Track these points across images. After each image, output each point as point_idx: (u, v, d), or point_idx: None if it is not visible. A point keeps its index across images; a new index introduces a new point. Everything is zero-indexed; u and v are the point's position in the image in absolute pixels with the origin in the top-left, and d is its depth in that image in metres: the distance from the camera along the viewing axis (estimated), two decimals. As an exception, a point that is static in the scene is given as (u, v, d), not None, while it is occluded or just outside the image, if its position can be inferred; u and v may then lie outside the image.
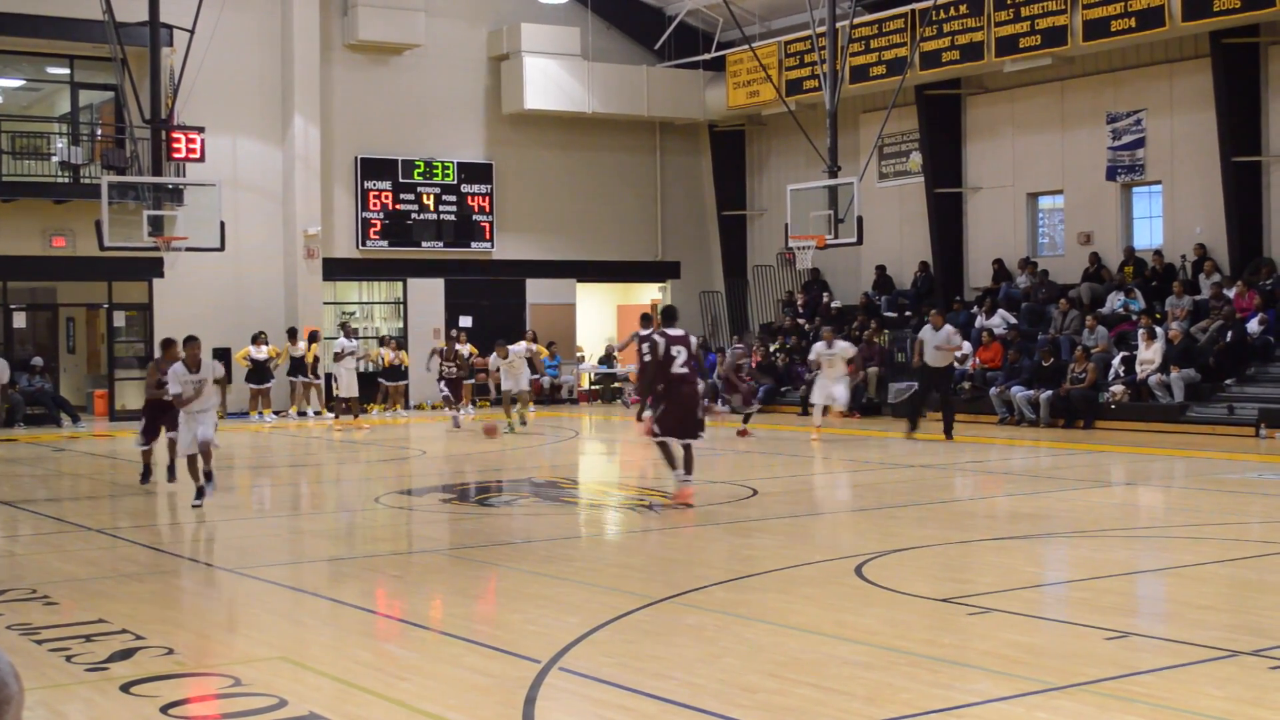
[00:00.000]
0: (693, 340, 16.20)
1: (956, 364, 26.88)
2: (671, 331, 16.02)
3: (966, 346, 28.33)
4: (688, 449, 15.88)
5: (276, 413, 32.15)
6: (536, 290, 37.30)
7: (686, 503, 15.55)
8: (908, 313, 33.14)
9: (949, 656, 8.48)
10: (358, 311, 36.04)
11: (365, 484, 19.86)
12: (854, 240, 27.37)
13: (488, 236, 36.36)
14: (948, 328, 24.87)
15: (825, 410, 25.15)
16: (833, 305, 35.16)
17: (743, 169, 39.52)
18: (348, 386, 30.33)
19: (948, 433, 24.26)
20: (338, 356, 30.34)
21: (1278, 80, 27.70)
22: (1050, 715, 7.21)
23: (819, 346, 25.58)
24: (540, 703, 7.58)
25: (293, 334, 32.49)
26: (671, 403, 15.75)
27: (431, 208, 35.66)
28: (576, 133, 37.66)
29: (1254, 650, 8.43)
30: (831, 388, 25.07)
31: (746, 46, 33.51)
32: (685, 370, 15.75)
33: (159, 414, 18.30)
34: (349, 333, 30.95)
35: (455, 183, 35.90)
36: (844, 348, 25.52)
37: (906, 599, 10.36)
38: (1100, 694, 7.56)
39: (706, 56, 36.77)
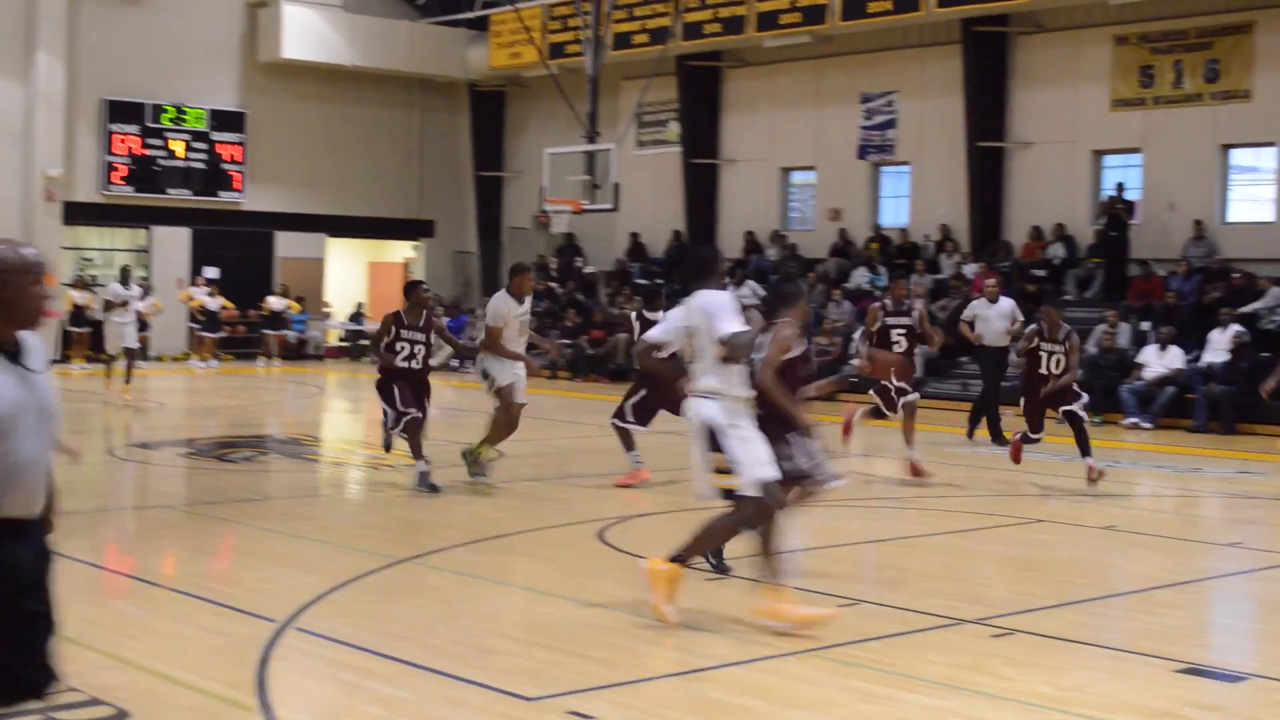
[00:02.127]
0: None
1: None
2: (650, 314, 14.56)
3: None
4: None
5: None
6: (286, 243, 36.56)
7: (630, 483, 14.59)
8: (659, 280, 33.43)
9: (687, 621, 8.57)
10: (97, 258, 34.82)
11: (99, 436, 19.25)
12: (610, 207, 27.48)
13: (238, 186, 35.50)
14: (1007, 302, 19.88)
15: None
16: (586, 270, 35.28)
17: (502, 130, 39.32)
18: (114, 340, 24.20)
19: (998, 435, 19.16)
20: (109, 306, 24.78)
21: (1023, 69, 28.64)
22: (784, 680, 7.36)
23: None
24: (274, 663, 7.45)
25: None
26: (650, 388, 14.38)
27: (180, 154, 34.64)
28: (334, 85, 36.97)
29: (976, 619, 8.72)
30: None
31: (510, 7, 33.32)
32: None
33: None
34: (127, 279, 25.28)
35: (206, 130, 34.93)
36: None
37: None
38: (831, 659, 7.74)
39: (470, 15, 36.45)
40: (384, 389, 13.83)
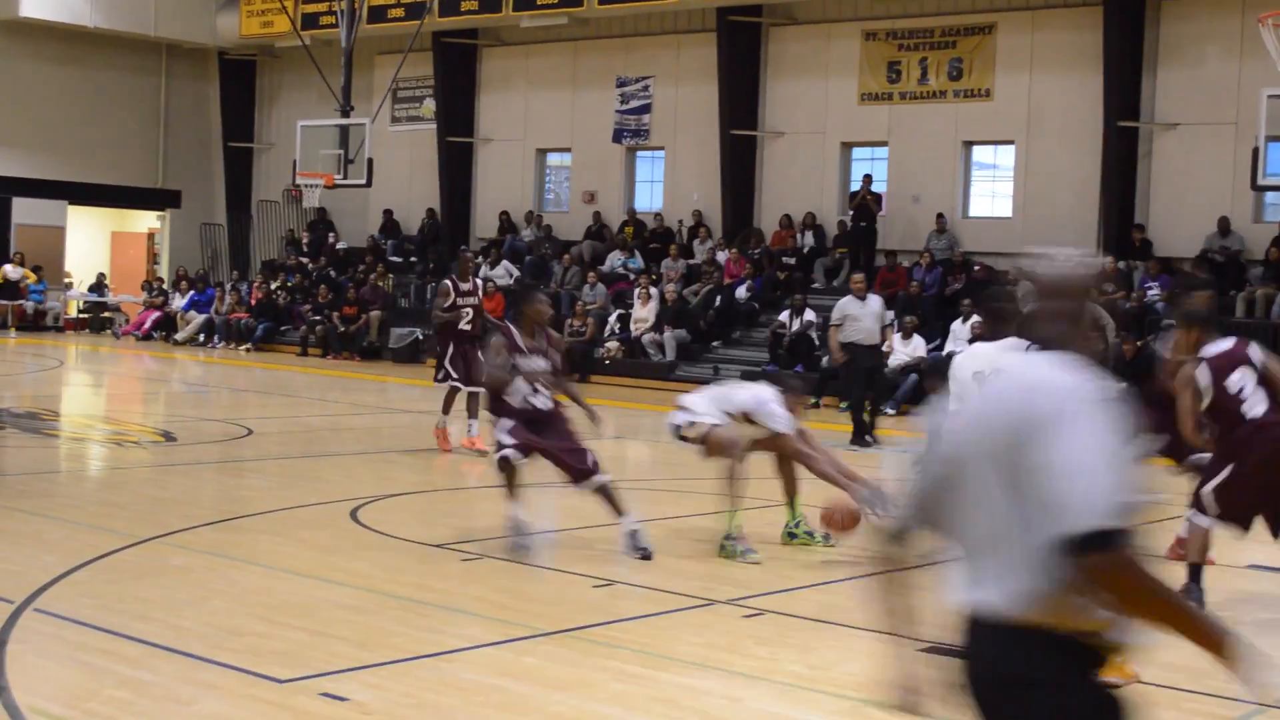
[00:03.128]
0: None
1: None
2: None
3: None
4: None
5: None
6: (24, 210, 35.17)
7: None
8: (413, 258, 33.16)
9: (441, 602, 8.54)
10: None
11: None
12: (363, 182, 27.15)
13: (-28, 149, 34.06)
14: (875, 298, 18.87)
15: None
16: (338, 246, 34.79)
17: (252, 100, 38.48)
18: None
19: (870, 434, 17.87)
20: None
21: (776, 60, 29.14)
22: (538, 660, 7.38)
23: None
24: (12, 645, 7.18)
25: None
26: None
27: (-91, 114, 33.11)
28: (76, 47, 35.65)
29: (729, 599, 8.87)
30: None
31: (263, -25, 32.62)
32: None
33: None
34: None
35: (-63, 89, 33.45)
36: None
37: (400, 544, 10.36)
38: (586, 640, 7.79)
39: (221, -19, 35.57)
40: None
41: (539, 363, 10.05)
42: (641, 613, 8.48)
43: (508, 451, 9.98)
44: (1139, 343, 21.41)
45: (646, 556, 9.95)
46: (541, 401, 10.08)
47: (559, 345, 10.28)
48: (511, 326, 10.13)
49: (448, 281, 15.86)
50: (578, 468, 10.04)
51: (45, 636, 7.49)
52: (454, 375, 15.33)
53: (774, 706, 6.85)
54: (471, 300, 15.50)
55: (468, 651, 7.48)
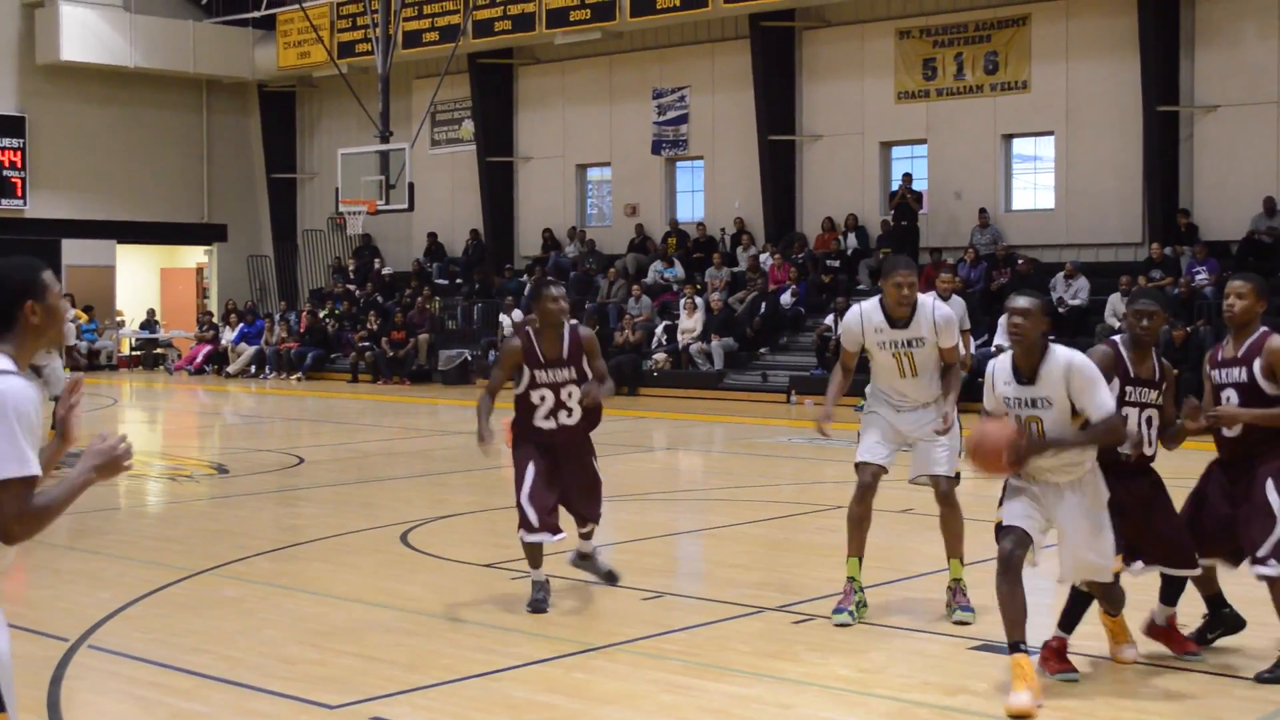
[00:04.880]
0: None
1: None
2: None
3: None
4: None
5: None
6: (73, 251, 35.54)
7: None
8: (458, 280, 33.29)
9: (491, 621, 8.56)
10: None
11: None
12: (405, 206, 27.30)
13: (19, 194, 34.44)
14: (957, 302, 16.14)
15: None
16: (384, 271, 34.97)
17: (293, 131, 38.78)
18: None
19: None
20: None
21: (810, 64, 29.11)
22: (588, 675, 7.39)
23: None
24: (67, 682, 7.25)
25: None
26: None
27: (-43, 161, 33.52)
28: (118, 87, 36.05)
29: (779, 606, 8.85)
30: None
31: (297, 5, 32.84)
32: None
33: None
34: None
35: (-17, 135, 33.86)
36: None
37: (451, 565, 10.40)
38: (635, 653, 7.78)
39: (256, 14, 35.81)
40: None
41: (563, 373, 8.65)
42: (691, 623, 8.47)
43: (534, 538, 8.63)
44: (1188, 328, 21.23)
45: (613, 578, 9.19)
46: (569, 418, 8.71)
47: (592, 347, 8.73)
48: (531, 333, 8.68)
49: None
50: (588, 512, 8.94)
51: (99, 672, 7.56)
52: None
53: (824, 712, 6.83)
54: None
55: (518, 669, 7.50)
